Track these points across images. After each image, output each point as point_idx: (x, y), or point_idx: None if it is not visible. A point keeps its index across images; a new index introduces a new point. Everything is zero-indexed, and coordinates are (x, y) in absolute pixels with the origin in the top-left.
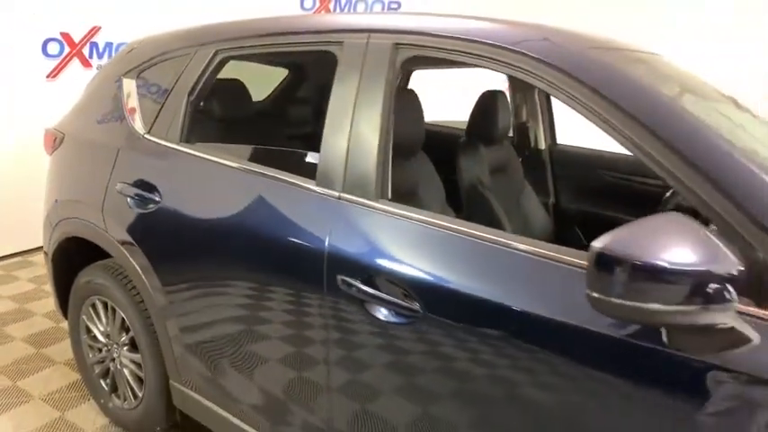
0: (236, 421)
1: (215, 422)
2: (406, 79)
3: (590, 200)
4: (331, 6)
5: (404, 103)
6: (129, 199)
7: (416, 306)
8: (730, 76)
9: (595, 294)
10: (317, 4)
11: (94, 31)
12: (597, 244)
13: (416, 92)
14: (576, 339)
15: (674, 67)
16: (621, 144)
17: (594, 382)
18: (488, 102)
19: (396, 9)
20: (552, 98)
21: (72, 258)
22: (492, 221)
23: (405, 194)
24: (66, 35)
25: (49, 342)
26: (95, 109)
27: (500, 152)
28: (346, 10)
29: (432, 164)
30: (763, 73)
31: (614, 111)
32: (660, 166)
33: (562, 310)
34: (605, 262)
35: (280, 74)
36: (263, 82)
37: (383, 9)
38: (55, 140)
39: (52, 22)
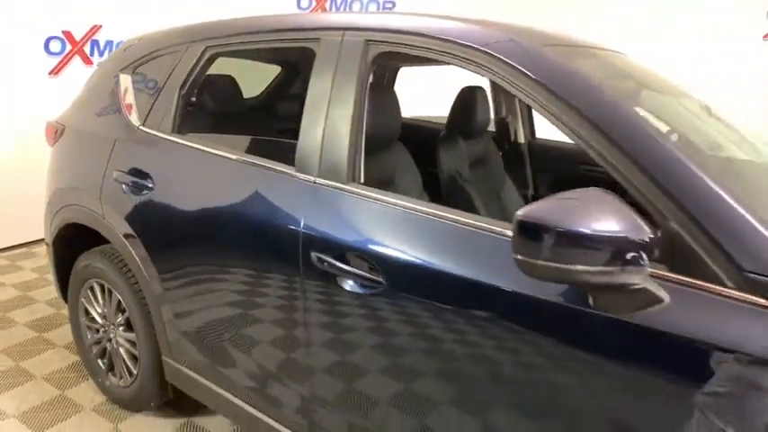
0: (225, 394)
1: (205, 395)
2: (393, 77)
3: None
4: (327, 6)
5: (379, 97)
6: (124, 186)
7: (380, 278)
8: (730, 76)
9: (519, 257)
10: (314, 4)
11: (95, 29)
12: (520, 212)
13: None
14: (509, 303)
15: (634, 64)
16: (563, 132)
17: (541, 345)
18: (467, 97)
19: (390, 9)
20: None
21: (72, 244)
22: (471, 212)
23: (382, 181)
24: (67, 33)
25: (50, 327)
26: (94, 103)
27: (480, 146)
28: (342, 9)
29: (410, 155)
30: (763, 73)
31: (562, 105)
32: (597, 153)
33: (503, 277)
34: (527, 228)
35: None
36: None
37: (378, 9)
38: (56, 132)
39: (54, 20)
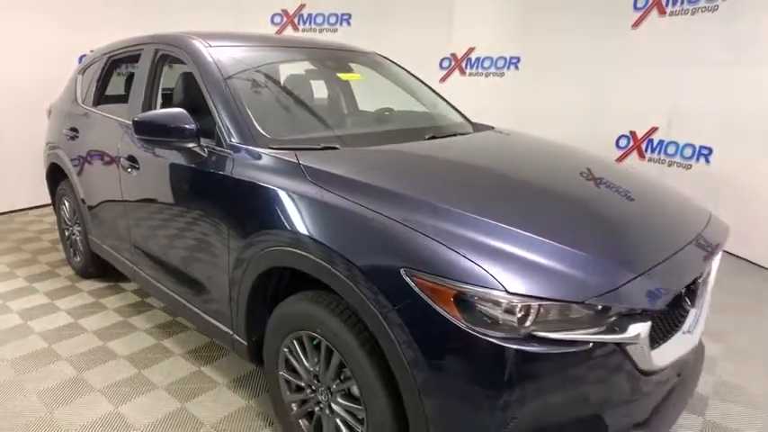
0: (110, 251)
1: (105, 253)
2: None
3: None
4: (295, 21)
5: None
6: (67, 137)
7: (137, 165)
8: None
9: (138, 136)
10: (285, 20)
11: None
12: (136, 117)
13: None
14: (174, 167)
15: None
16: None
17: (183, 179)
18: None
19: (347, 20)
20: None
21: (56, 177)
22: None
23: None
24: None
25: (43, 252)
26: (66, 92)
27: None
28: (308, 24)
29: None
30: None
31: (204, 78)
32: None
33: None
34: (138, 123)
35: None
36: None
37: (337, 21)
38: (48, 111)
39: (85, 42)
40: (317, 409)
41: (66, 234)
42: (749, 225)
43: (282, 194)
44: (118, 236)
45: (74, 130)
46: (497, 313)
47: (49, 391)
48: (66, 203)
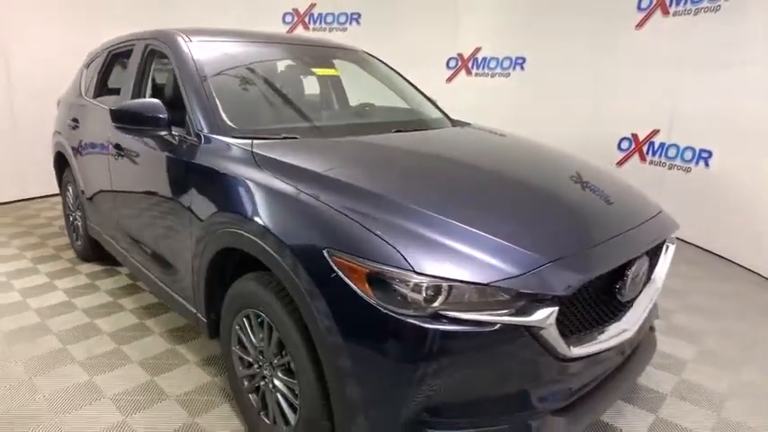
0: (108, 238)
1: (100, 238)
2: None
3: None
4: (306, 20)
5: (169, 78)
6: (70, 127)
7: (122, 151)
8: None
9: (115, 125)
10: (296, 19)
11: None
12: (113, 107)
13: None
14: (157, 155)
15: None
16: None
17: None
18: None
19: (357, 19)
20: None
21: (61, 165)
22: None
23: None
24: None
25: (51, 237)
26: (72, 84)
27: None
28: (318, 23)
29: None
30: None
31: (180, 73)
32: (181, 87)
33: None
34: (114, 112)
35: None
36: None
37: (347, 21)
38: (58, 103)
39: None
40: (262, 383)
41: (71, 219)
42: (748, 231)
43: (235, 179)
44: (109, 221)
45: (75, 120)
46: (406, 292)
47: (34, 360)
48: (70, 190)
